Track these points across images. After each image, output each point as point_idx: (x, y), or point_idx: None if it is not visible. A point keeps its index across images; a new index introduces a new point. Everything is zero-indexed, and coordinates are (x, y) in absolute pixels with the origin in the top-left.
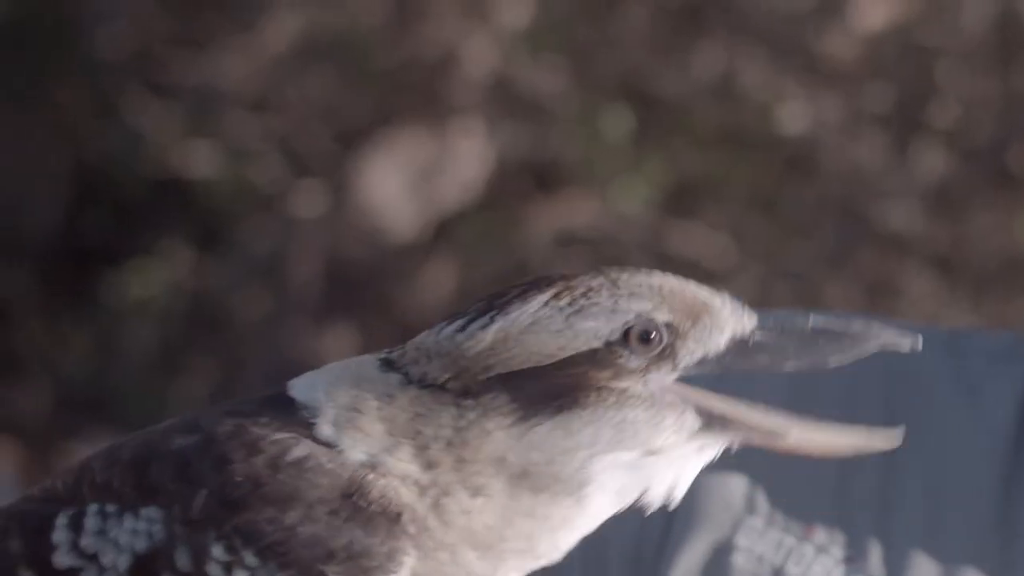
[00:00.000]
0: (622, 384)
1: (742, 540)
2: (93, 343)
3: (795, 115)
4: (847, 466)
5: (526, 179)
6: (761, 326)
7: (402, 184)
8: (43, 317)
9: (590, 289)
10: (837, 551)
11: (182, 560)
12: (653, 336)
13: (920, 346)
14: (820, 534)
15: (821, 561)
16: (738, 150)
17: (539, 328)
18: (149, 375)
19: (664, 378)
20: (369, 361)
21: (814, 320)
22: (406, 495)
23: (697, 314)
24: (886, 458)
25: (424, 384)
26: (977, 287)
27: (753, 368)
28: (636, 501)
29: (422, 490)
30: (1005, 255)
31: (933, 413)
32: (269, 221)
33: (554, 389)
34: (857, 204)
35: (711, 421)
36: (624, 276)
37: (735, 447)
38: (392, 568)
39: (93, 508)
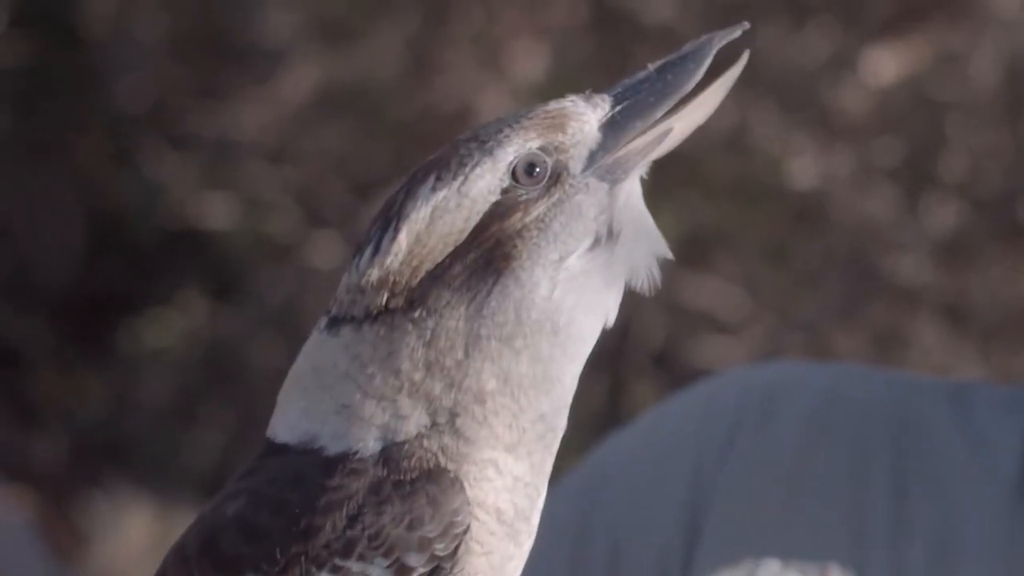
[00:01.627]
0: (533, 214)
1: None
2: (109, 391)
3: (806, 168)
4: (861, 510)
5: None
6: (616, 99)
7: None
8: (59, 366)
9: (462, 155)
10: None
11: None
12: (538, 165)
13: (747, 25)
14: (835, 574)
15: None
16: (750, 202)
17: (440, 212)
18: (165, 423)
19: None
20: (313, 340)
21: (653, 65)
22: (430, 444)
23: (560, 123)
24: (896, 504)
25: (372, 317)
26: (986, 339)
27: (636, 134)
28: (629, 279)
29: (439, 428)
30: (1014, 307)
31: (939, 460)
32: (285, 271)
33: (483, 257)
34: (867, 256)
35: (614, 172)
36: (480, 130)
37: (645, 166)
38: (463, 509)
39: None
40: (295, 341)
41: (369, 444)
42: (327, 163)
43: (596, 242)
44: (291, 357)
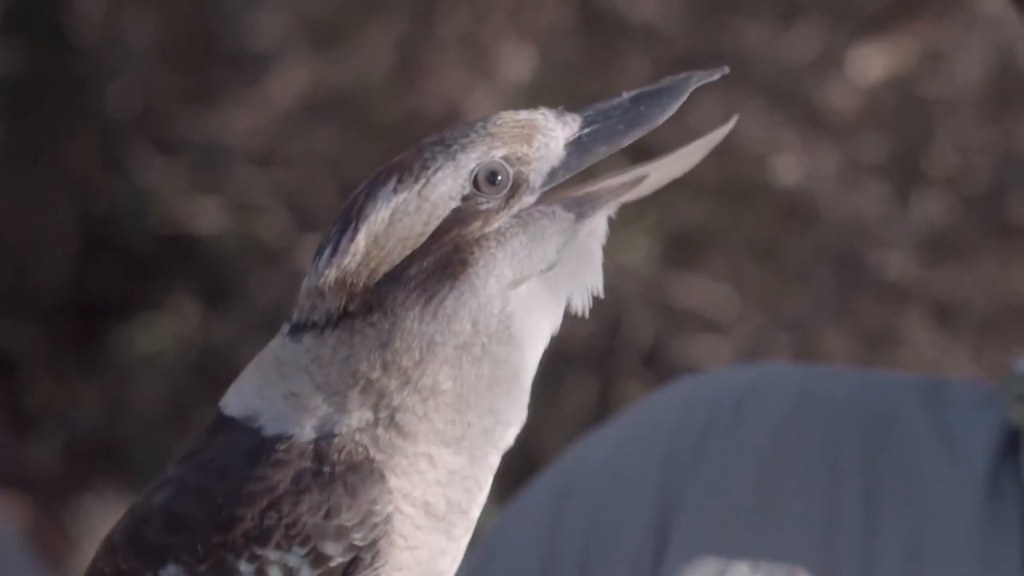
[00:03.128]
0: (494, 226)
1: None
2: (101, 397)
3: (793, 166)
4: (832, 512)
5: None
6: (586, 120)
7: None
8: (51, 372)
9: (425, 159)
10: None
11: None
12: (499, 174)
13: (726, 70)
14: None
15: None
16: (737, 201)
17: (399, 215)
18: (158, 428)
19: (525, 203)
20: (278, 341)
21: (628, 93)
22: (362, 437)
23: (527, 136)
24: (867, 505)
25: (332, 323)
26: (978, 336)
27: (597, 157)
28: (574, 305)
29: (378, 422)
30: (1005, 303)
31: (911, 460)
32: (275, 275)
33: (440, 262)
34: (856, 253)
35: (581, 205)
36: (447, 134)
37: (613, 211)
38: (382, 499)
39: None
40: None
41: (305, 431)
42: (316, 166)
43: (552, 266)
44: None
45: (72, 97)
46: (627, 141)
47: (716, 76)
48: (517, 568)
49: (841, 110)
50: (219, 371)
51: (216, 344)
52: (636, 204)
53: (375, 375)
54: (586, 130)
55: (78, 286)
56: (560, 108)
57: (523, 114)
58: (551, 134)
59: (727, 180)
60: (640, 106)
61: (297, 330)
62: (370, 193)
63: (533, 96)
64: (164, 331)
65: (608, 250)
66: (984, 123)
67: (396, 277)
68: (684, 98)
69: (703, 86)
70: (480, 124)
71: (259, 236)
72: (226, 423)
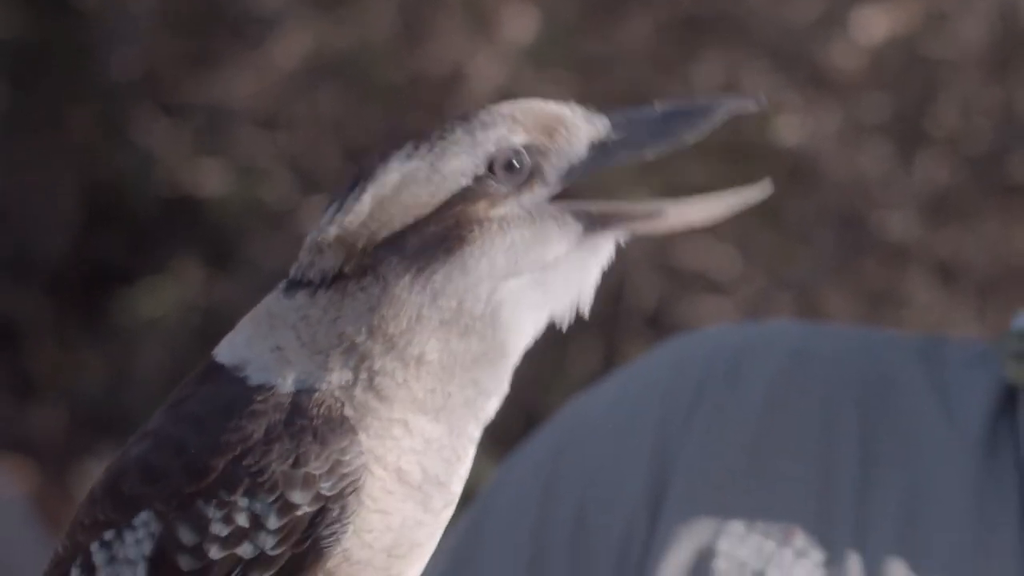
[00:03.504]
0: (500, 211)
1: (723, 545)
2: (106, 362)
3: (796, 126)
4: (828, 470)
5: None
6: (614, 125)
7: None
8: (55, 337)
9: (445, 132)
10: (816, 556)
11: (187, 537)
12: (516, 161)
13: (764, 101)
14: (800, 538)
15: (801, 566)
16: (740, 161)
17: (408, 182)
18: (162, 393)
19: (537, 196)
20: (273, 295)
21: (660, 106)
22: (340, 395)
23: (552, 128)
24: (863, 464)
25: (327, 283)
26: (980, 296)
27: (617, 164)
28: (561, 312)
29: (357, 383)
30: (1007, 264)
31: (907, 419)
32: (279, 238)
33: (439, 234)
34: (859, 214)
35: (592, 221)
36: (472, 111)
37: (624, 239)
38: (352, 450)
39: (94, 546)
40: None
41: (286, 383)
42: (320, 129)
43: (547, 268)
44: None
45: (75, 63)
46: (650, 154)
47: (752, 106)
48: (513, 523)
49: (844, 70)
50: (222, 334)
51: (220, 308)
52: (640, 166)
53: (360, 339)
54: (612, 135)
55: (82, 252)
56: (590, 108)
57: (551, 106)
58: (576, 131)
59: (730, 141)
60: (669, 121)
61: (292, 286)
62: (384, 156)
63: (536, 59)
64: (168, 296)
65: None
66: (987, 84)
67: (394, 244)
68: (715, 123)
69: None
70: (506, 108)
71: (263, 199)
72: (215, 370)
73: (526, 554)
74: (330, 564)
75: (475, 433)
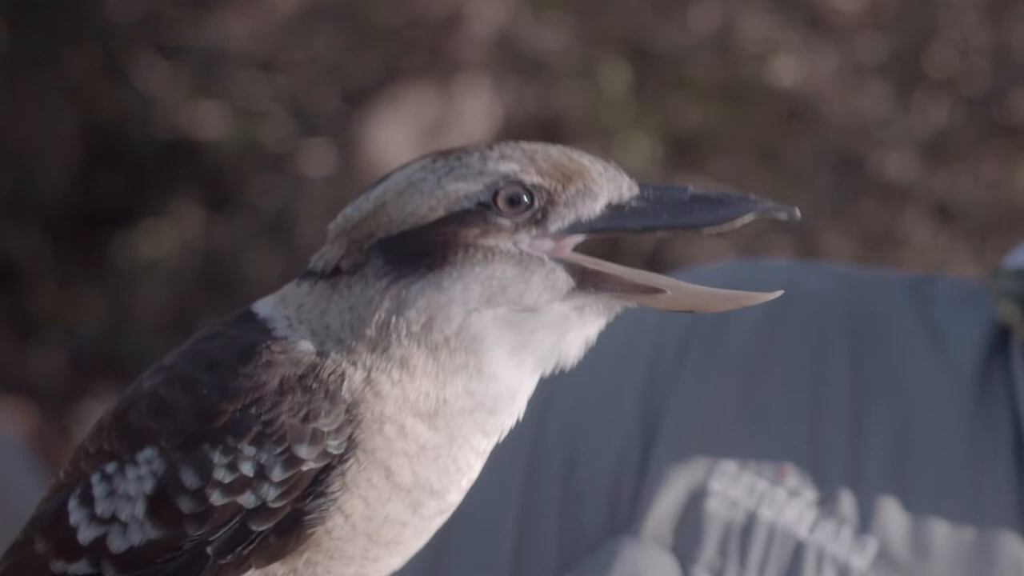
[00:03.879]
0: (490, 242)
1: (716, 485)
2: (105, 303)
3: (792, 67)
4: (819, 409)
5: (532, 135)
6: (640, 195)
7: (409, 141)
8: (55, 279)
9: (464, 153)
10: (809, 494)
11: (189, 480)
12: (522, 199)
13: (798, 215)
14: (792, 477)
15: (793, 504)
16: (739, 103)
17: (413, 190)
18: (161, 334)
19: (534, 239)
20: (294, 281)
21: (692, 190)
22: (350, 373)
23: (570, 178)
24: (854, 403)
25: (326, 275)
26: (979, 236)
27: (628, 231)
28: (534, 364)
29: (358, 369)
30: (1006, 203)
31: (898, 357)
32: (277, 180)
33: (425, 248)
34: (857, 154)
35: (584, 279)
36: (502, 143)
37: (618, 308)
38: (362, 414)
39: (95, 477)
40: (289, 249)
41: (307, 345)
42: (318, 71)
43: (525, 311)
44: (286, 265)
45: (75, 5)
46: (661, 232)
47: (782, 214)
48: (503, 473)
49: (842, 11)
50: (221, 276)
51: (218, 249)
52: (637, 105)
53: (344, 335)
54: (633, 203)
55: (81, 194)
56: (625, 173)
57: (580, 157)
58: (596, 188)
59: (727, 82)
60: (694, 207)
61: (307, 274)
62: (407, 163)
63: (534, 1)
64: (167, 237)
65: (612, 152)
66: (985, 24)
67: (387, 248)
68: (739, 222)
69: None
70: (529, 148)
71: (261, 141)
72: (247, 317)
73: (516, 503)
74: (313, 534)
75: (482, 446)
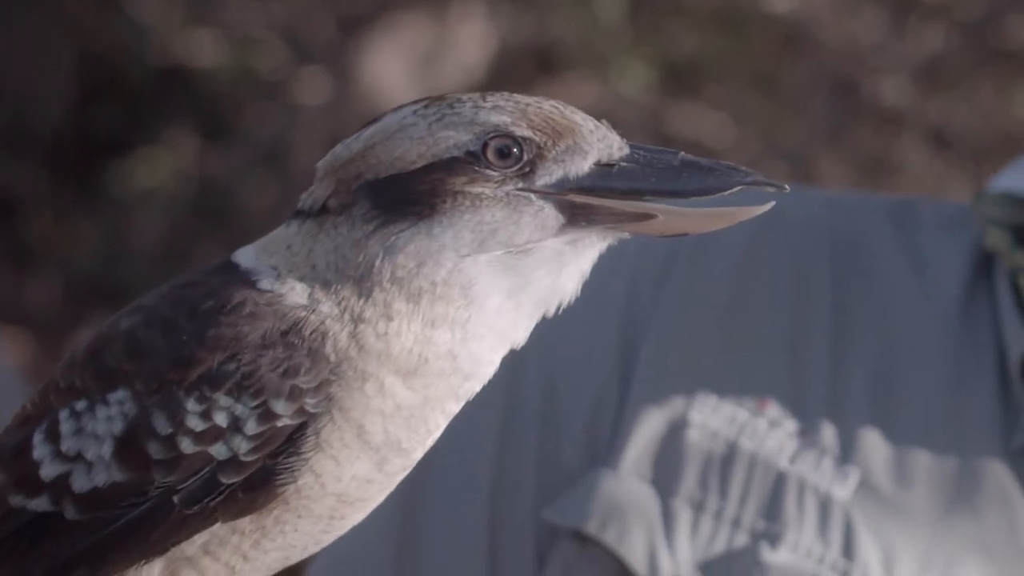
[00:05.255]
0: (476, 189)
1: (695, 416)
2: (101, 233)
3: None
4: (800, 338)
5: (527, 63)
6: (629, 156)
7: (404, 70)
8: (51, 209)
9: (457, 101)
10: (790, 425)
11: (160, 425)
12: (511, 151)
13: (787, 190)
14: (773, 408)
15: (774, 435)
16: (733, 29)
17: (403, 135)
18: (157, 264)
19: (521, 189)
20: (284, 225)
21: (683, 156)
22: (336, 329)
23: (560, 134)
24: (836, 331)
25: (313, 214)
26: (974, 162)
27: (613, 192)
28: (534, 305)
29: (345, 322)
30: (1002, 129)
31: (881, 284)
32: (273, 108)
33: (414, 195)
34: (852, 81)
35: (574, 214)
36: (496, 94)
37: (610, 238)
38: (340, 374)
39: (64, 413)
40: (285, 178)
41: (291, 298)
42: None
43: (518, 252)
44: (281, 194)
45: None
46: (647, 195)
47: (770, 188)
48: (480, 408)
49: None
50: (217, 205)
51: (214, 178)
52: (632, 33)
53: (329, 276)
54: (622, 164)
55: (77, 123)
56: (619, 132)
57: (572, 113)
58: (585, 145)
59: (722, 8)
60: (684, 173)
61: (296, 214)
62: (400, 106)
63: None
64: (162, 166)
65: (607, 80)
66: None
67: (373, 190)
68: (727, 192)
69: None
70: (522, 100)
71: (256, 69)
72: (229, 267)
73: (494, 439)
74: (283, 492)
75: (452, 409)
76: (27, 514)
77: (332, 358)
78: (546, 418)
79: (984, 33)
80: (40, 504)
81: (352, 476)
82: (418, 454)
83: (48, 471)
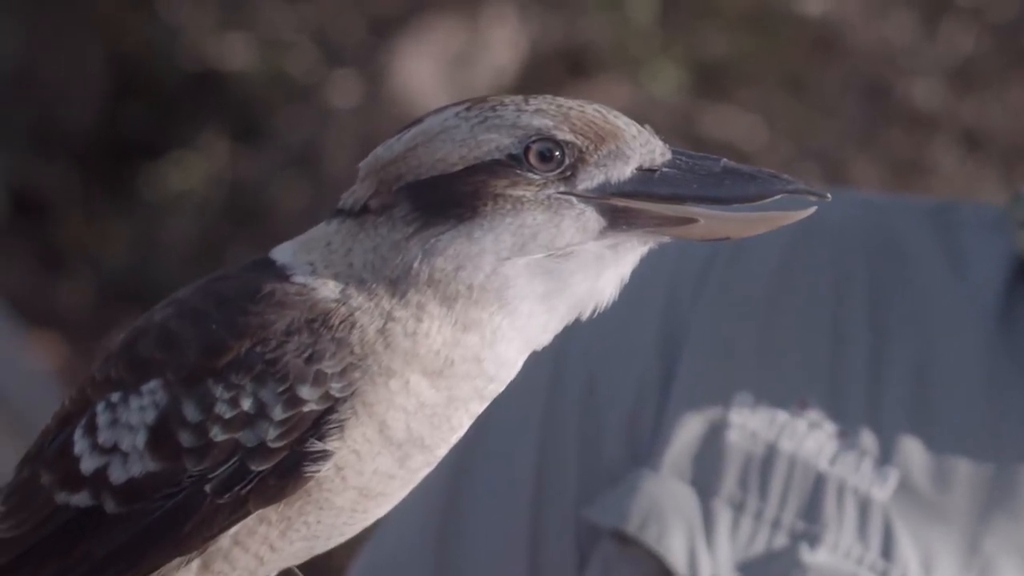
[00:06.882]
0: (518, 192)
1: (735, 417)
2: (133, 236)
3: None
4: (839, 340)
5: (558, 65)
6: (671, 161)
7: (436, 72)
8: (83, 212)
9: (500, 104)
10: (829, 426)
11: (191, 413)
12: (553, 155)
13: (829, 199)
14: (812, 409)
15: (814, 436)
16: (765, 31)
17: (445, 136)
18: (188, 267)
19: (563, 193)
20: (323, 223)
21: (726, 163)
22: (364, 322)
23: (603, 138)
24: (875, 333)
25: (354, 214)
26: (1006, 163)
27: (655, 197)
28: (569, 308)
29: (374, 317)
30: None
31: (920, 285)
32: (305, 111)
33: (455, 197)
34: (884, 83)
35: (615, 217)
36: (539, 97)
37: (651, 242)
38: (365, 356)
39: (100, 406)
40: (316, 181)
41: (323, 291)
42: (344, 1)
43: (559, 255)
44: (313, 197)
45: None
46: (688, 201)
47: (812, 196)
48: (522, 406)
49: None
50: (248, 208)
51: (245, 181)
52: (663, 35)
53: (365, 275)
54: (664, 169)
55: (109, 125)
56: (662, 137)
57: (616, 118)
58: (627, 150)
59: (754, 10)
60: (725, 180)
61: (337, 212)
62: (442, 108)
63: None
64: (194, 169)
65: (639, 82)
66: None
67: (414, 192)
68: (768, 199)
69: None
70: (565, 104)
71: (287, 72)
72: (265, 263)
73: (535, 439)
74: (310, 479)
75: (476, 410)
76: (70, 511)
77: (357, 349)
78: (587, 418)
79: (1016, 34)
80: (82, 499)
81: (373, 471)
82: (441, 451)
83: (87, 464)
